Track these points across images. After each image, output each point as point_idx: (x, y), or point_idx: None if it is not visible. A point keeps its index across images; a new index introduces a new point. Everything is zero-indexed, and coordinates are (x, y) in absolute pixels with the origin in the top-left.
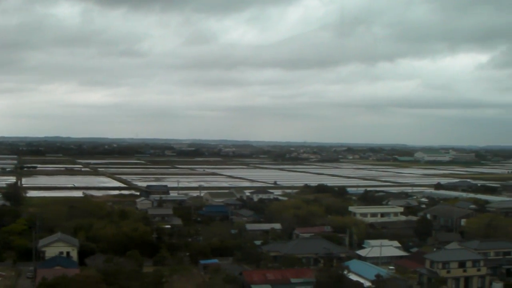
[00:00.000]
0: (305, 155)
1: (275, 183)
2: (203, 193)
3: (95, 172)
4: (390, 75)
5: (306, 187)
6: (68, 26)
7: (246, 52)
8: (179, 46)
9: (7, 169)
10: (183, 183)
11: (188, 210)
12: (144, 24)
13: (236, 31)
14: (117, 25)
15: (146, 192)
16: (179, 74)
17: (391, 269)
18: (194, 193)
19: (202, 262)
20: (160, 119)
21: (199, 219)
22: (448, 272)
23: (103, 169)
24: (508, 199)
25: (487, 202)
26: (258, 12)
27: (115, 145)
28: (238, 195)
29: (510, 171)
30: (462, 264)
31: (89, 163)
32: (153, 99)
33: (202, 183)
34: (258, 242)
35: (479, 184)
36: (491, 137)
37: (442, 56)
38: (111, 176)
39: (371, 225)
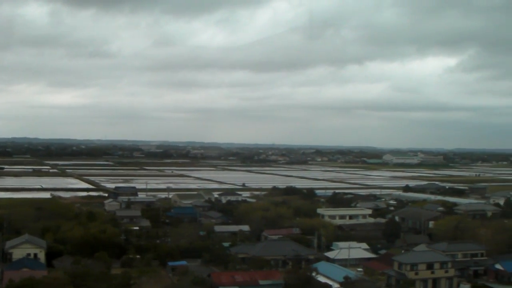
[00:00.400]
0: (273, 157)
1: (243, 185)
2: (171, 194)
3: (63, 174)
4: (359, 78)
5: (275, 189)
6: (37, 27)
7: (215, 54)
8: (148, 48)
9: None
10: (151, 184)
11: (157, 212)
12: (113, 25)
13: (205, 33)
14: (86, 26)
15: (114, 193)
16: (148, 76)
17: (360, 271)
18: (163, 195)
19: (170, 264)
20: (128, 121)
21: (167, 220)
22: (416, 274)
23: (71, 170)
24: (475, 201)
25: (455, 204)
26: (227, 14)
27: (83, 147)
28: (206, 197)
29: (477, 173)
30: (430, 266)
31: (57, 164)
32: (121, 100)
33: (171, 185)
34: (226, 244)
35: (447, 187)
36: (459, 140)
37: (411, 59)
38: (79, 177)
39: (340, 227)
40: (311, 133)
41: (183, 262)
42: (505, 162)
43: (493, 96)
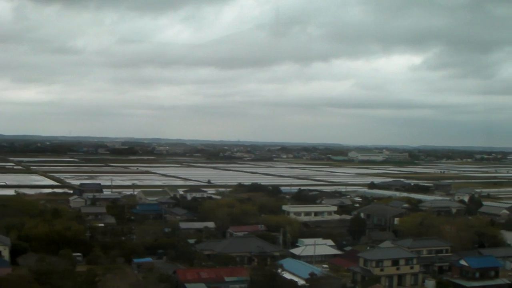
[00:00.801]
0: (239, 154)
1: (208, 181)
2: (136, 191)
3: (27, 170)
4: (325, 75)
5: (240, 186)
6: (1, 22)
7: (180, 51)
8: (114, 44)
9: None
10: (116, 181)
11: (122, 209)
12: (78, 21)
13: (171, 30)
14: (51, 22)
15: (79, 190)
16: (113, 72)
17: (325, 267)
18: (128, 192)
19: (136, 261)
20: (93, 117)
21: (132, 217)
22: (382, 270)
23: (35, 167)
24: (440, 198)
25: (420, 201)
26: (193, 11)
27: (48, 143)
28: (171, 194)
29: (442, 170)
30: (395, 262)
31: (22, 161)
32: (86, 97)
33: (136, 182)
34: (191, 241)
35: (412, 184)
36: (424, 137)
37: (376, 57)
38: (44, 174)
39: (305, 224)
40: (276, 130)
41: (149, 259)
42: (469, 160)
43: (458, 94)
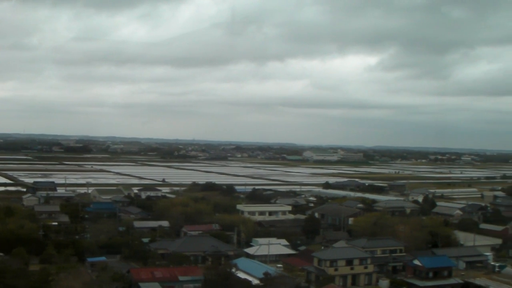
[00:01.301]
0: (193, 153)
1: (163, 180)
2: (90, 190)
3: None
4: (280, 75)
5: (195, 185)
6: None
7: (136, 49)
8: (69, 41)
9: None
10: (70, 179)
11: (76, 207)
12: (34, 17)
13: (127, 28)
14: (5, 17)
15: (33, 188)
16: (69, 70)
17: (279, 267)
18: (82, 190)
19: (90, 260)
20: (48, 115)
21: (86, 216)
22: (336, 270)
23: None
24: (394, 198)
25: (374, 201)
26: (149, 9)
27: (1, 140)
28: (126, 192)
29: (397, 171)
30: (349, 262)
31: None
32: (41, 94)
33: (90, 180)
34: (146, 240)
35: (366, 184)
36: (379, 138)
37: (332, 57)
38: None
39: (259, 223)
40: (231, 129)
41: (102, 258)
42: (424, 160)
43: (413, 94)
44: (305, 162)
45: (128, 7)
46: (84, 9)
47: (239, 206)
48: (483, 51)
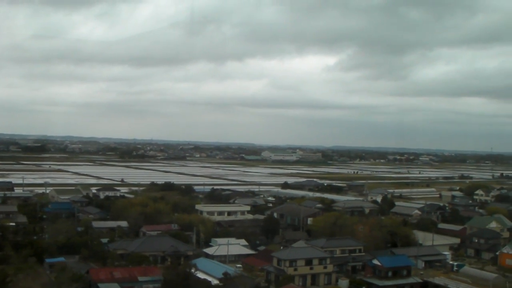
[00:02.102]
0: (152, 153)
1: (122, 180)
2: (48, 190)
3: None
4: (239, 75)
5: (153, 184)
6: None
7: (94, 48)
8: (27, 39)
9: None
10: (28, 179)
11: (34, 207)
12: None
13: (85, 26)
14: None
15: None
16: (26, 68)
17: (239, 267)
18: (40, 190)
19: (48, 260)
20: (5, 114)
21: (44, 216)
22: (295, 269)
23: None
24: (353, 198)
25: (333, 201)
26: (107, 8)
27: None
28: (84, 192)
29: (356, 171)
30: (308, 262)
31: None
32: None
33: (48, 180)
34: (104, 240)
35: (325, 184)
36: (337, 138)
37: (291, 57)
38: None
39: (218, 223)
40: (190, 129)
41: (61, 259)
42: (382, 160)
43: (371, 95)
44: (263, 162)
45: (86, 6)
46: (42, 7)
47: (198, 206)
48: (440, 52)
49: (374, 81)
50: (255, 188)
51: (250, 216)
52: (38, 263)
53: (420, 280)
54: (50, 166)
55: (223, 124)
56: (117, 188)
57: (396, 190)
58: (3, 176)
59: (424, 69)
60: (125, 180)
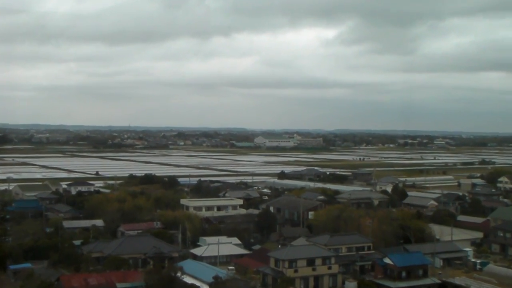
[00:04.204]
0: (129, 141)
1: (96, 173)
2: (12, 186)
3: None
4: (226, 51)
5: (132, 177)
6: None
7: (62, 23)
8: None
9: None
10: None
11: None
12: None
13: None
14: None
15: None
16: None
17: (231, 269)
18: (2, 187)
19: (12, 267)
20: None
21: (8, 216)
22: (296, 271)
23: None
24: (360, 188)
25: (337, 192)
26: None
27: None
28: (53, 188)
29: (361, 157)
30: (311, 262)
31: None
32: None
33: (11, 175)
34: (77, 242)
35: (327, 173)
36: (340, 120)
37: (284, 31)
38: None
39: (207, 219)
40: (172, 114)
41: (27, 265)
42: (391, 145)
43: (376, 71)
44: (257, 149)
45: None
46: None
47: (183, 201)
48: (453, 23)
49: (379, 56)
50: (248, 179)
51: (243, 211)
52: (0, 270)
53: (438, 281)
54: (13, 159)
55: (210, 108)
56: (91, 182)
57: (408, 179)
58: None
59: (435, 41)
60: (100, 173)
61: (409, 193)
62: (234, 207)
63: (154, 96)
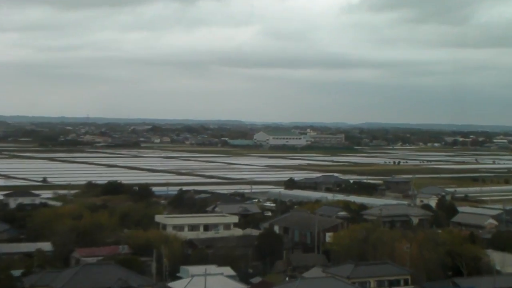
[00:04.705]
0: (88, 138)
1: (44, 180)
2: None
3: None
4: (217, 19)
5: (91, 186)
6: None
7: None
8: None
9: None
10: None
11: None
12: None
13: None
14: None
15: None
16: None
17: None
18: None
19: None
20: None
21: None
22: None
23: None
24: (393, 202)
25: (363, 207)
26: None
27: None
28: None
29: (396, 160)
30: None
31: None
32: None
33: None
34: (17, 272)
35: (351, 181)
36: (367, 111)
37: None
38: None
39: (190, 243)
40: (145, 102)
41: None
42: (436, 144)
43: (414, 46)
44: (257, 148)
45: None
46: None
47: (159, 218)
48: None
49: (418, 26)
50: (246, 189)
51: (238, 231)
52: None
53: None
54: None
55: (196, 94)
56: (36, 192)
57: (458, 189)
58: None
59: (494, 7)
60: (48, 179)
61: (460, 209)
62: (227, 226)
63: (122, 78)
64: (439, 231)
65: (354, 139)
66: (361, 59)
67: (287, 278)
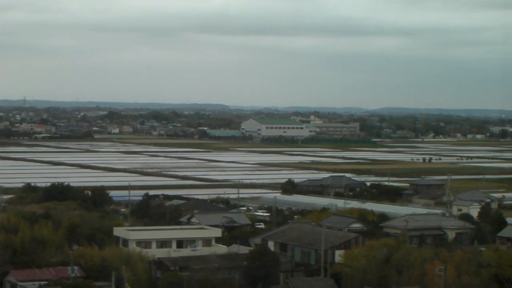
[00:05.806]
0: (25, 127)
1: None
2: None
3: None
4: None
5: (30, 189)
6: None
7: None
8: None
9: None
10: None
11: None
12: None
13: None
14: None
15: None
16: None
17: None
18: None
19: None
20: None
21: None
22: None
23: None
24: (423, 211)
25: (384, 217)
26: None
27: None
28: None
29: (426, 157)
30: None
31: None
32: None
33: None
34: None
35: (368, 183)
36: (389, 93)
37: None
38: None
39: (160, 263)
40: (98, 80)
41: None
42: (479, 136)
43: (451, 7)
44: (245, 141)
45: None
46: None
47: (119, 231)
48: None
49: None
50: (231, 194)
51: (221, 249)
52: None
53: None
54: None
55: (164, 70)
56: None
57: (507, 195)
58: None
59: None
60: None
61: (509, 220)
62: (207, 241)
63: (68, 49)
64: (482, 248)
65: (372, 129)
66: (380, 24)
67: None
